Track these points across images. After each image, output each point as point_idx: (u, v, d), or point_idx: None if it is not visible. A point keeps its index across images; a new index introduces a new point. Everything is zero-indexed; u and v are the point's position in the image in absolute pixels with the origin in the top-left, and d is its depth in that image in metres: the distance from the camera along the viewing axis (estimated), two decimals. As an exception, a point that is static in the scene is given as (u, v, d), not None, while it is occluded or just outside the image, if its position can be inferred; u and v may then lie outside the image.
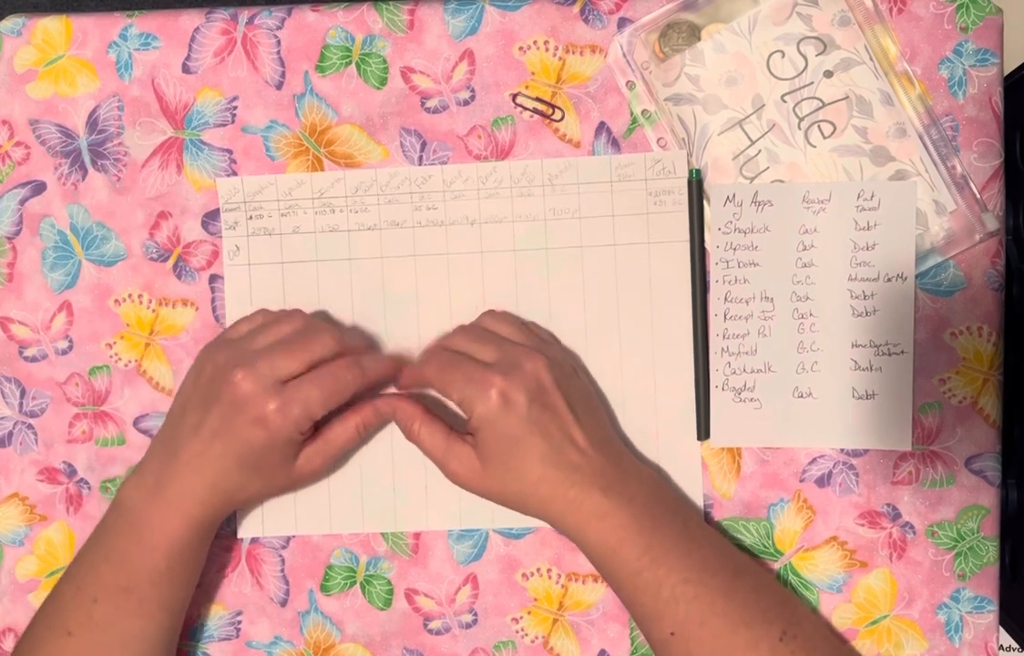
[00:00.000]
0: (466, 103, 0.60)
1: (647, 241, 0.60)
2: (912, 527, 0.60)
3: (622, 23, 0.59)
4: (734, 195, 0.59)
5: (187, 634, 0.62)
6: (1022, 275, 0.71)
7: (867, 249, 0.58)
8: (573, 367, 0.58)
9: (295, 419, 0.54)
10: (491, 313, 0.60)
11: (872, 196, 0.58)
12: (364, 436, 0.58)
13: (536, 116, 0.60)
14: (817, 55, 0.58)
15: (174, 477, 0.55)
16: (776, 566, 0.60)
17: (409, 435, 0.57)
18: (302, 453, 0.57)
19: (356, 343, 0.59)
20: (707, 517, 0.60)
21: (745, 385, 0.59)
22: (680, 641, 0.53)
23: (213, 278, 0.61)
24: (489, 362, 0.55)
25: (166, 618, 0.56)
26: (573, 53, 0.59)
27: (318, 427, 0.57)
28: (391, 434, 0.61)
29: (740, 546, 0.60)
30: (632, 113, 0.60)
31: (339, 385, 0.55)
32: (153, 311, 0.62)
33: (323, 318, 0.60)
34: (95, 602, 0.55)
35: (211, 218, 0.61)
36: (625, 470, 0.55)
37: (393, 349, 0.61)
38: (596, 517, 0.54)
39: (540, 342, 0.58)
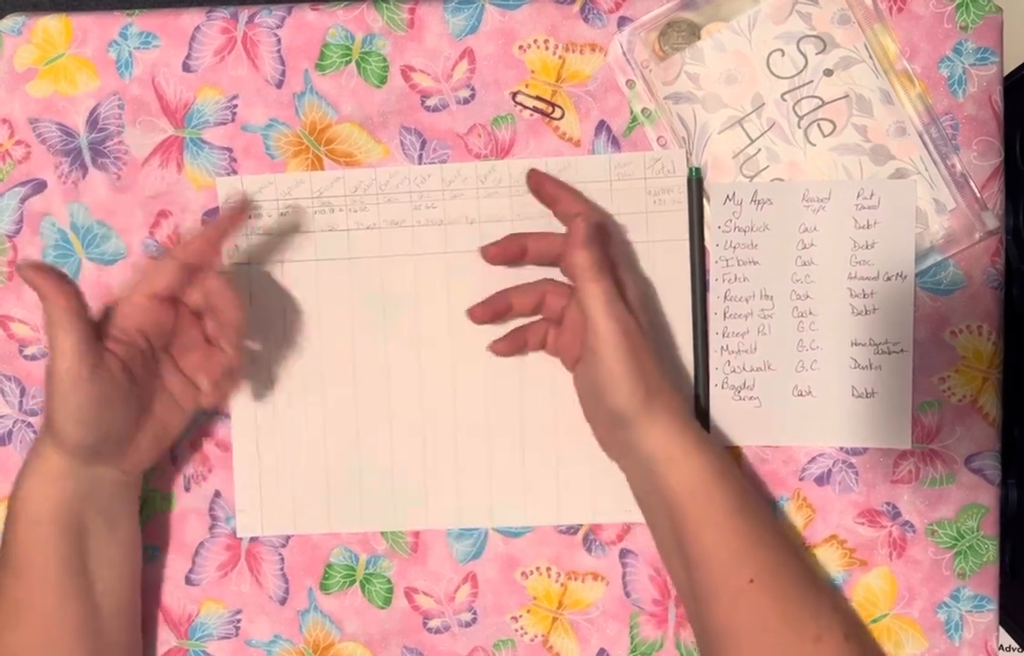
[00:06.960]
0: (466, 102, 0.60)
1: (647, 240, 0.60)
2: (912, 526, 0.60)
3: (622, 22, 0.59)
4: (734, 193, 0.59)
5: (186, 632, 0.62)
6: (1022, 276, 0.71)
7: (867, 247, 0.58)
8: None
9: (65, 345, 0.49)
10: (584, 233, 0.53)
11: (872, 195, 0.58)
12: (186, 274, 0.54)
13: (536, 115, 0.60)
14: (817, 54, 0.58)
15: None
16: (776, 565, 0.61)
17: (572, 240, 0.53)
18: (174, 347, 0.55)
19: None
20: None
21: (745, 383, 0.59)
22: (757, 589, 0.51)
23: (213, 276, 0.61)
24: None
25: (76, 603, 0.53)
26: (573, 52, 0.59)
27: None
28: (391, 433, 0.61)
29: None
30: (632, 112, 0.60)
31: (55, 303, 0.49)
32: (153, 309, 0.62)
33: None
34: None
35: (211, 216, 0.61)
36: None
37: (393, 350, 0.61)
38: (683, 451, 0.52)
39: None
